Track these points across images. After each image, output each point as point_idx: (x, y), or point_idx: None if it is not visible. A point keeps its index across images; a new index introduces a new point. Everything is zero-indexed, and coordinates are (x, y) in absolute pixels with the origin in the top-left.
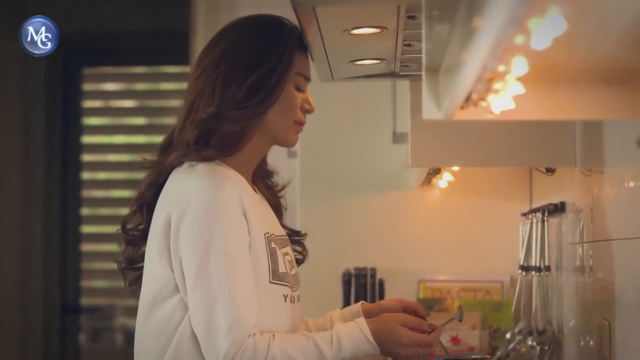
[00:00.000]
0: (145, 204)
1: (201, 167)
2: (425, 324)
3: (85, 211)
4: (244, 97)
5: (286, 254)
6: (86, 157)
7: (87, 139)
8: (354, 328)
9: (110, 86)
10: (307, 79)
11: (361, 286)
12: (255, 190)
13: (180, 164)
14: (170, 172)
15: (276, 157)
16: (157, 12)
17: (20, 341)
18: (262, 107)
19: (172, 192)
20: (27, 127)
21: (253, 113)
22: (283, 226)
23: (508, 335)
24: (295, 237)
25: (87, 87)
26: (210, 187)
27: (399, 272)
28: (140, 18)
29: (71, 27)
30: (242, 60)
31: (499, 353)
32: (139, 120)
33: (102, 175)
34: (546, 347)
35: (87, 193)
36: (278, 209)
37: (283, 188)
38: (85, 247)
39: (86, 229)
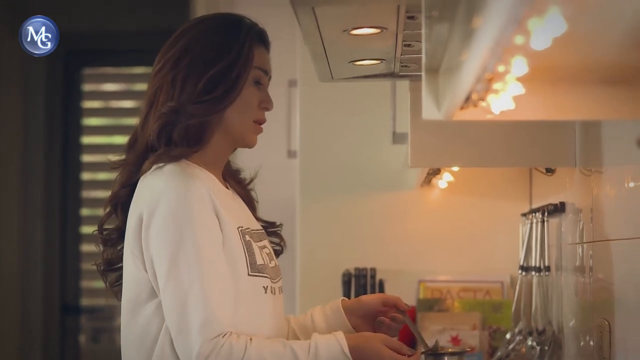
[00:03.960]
0: (120, 204)
1: (169, 167)
2: (405, 347)
3: (85, 212)
4: (203, 91)
5: (263, 247)
6: (86, 158)
7: (86, 140)
8: (332, 341)
9: (110, 86)
10: (266, 73)
11: (361, 286)
12: (227, 187)
13: (150, 168)
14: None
15: (276, 157)
16: (157, 13)
17: (20, 342)
18: (223, 102)
19: (142, 194)
20: (27, 127)
21: (213, 108)
22: (258, 219)
23: (508, 336)
24: (271, 229)
25: (87, 87)
26: (178, 186)
27: (399, 272)
28: (140, 18)
29: (71, 27)
30: (203, 56)
31: (499, 353)
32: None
33: (102, 176)
34: (546, 348)
35: (86, 194)
36: (250, 203)
37: (252, 181)
38: (85, 247)
39: (86, 229)
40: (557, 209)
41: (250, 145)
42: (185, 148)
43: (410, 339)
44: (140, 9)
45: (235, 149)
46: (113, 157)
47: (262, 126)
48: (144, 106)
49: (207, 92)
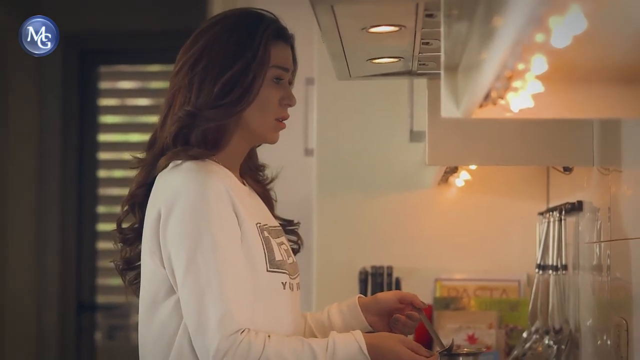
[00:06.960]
0: (137, 203)
1: (187, 164)
2: (423, 348)
3: (101, 209)
4: (219, 95)
5: (281, 243)
6: (102, 155)
7: (103, 137)
8: (350, 339)
9: (125, 84)
10: (287, 69)
11: (378, 285)
12: (244, 184)
13: (167, 165)
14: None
15: (293, 155)
16: (173, 11)
17: (36, 339)
18: (240, 105)
19: (160, 190)
20: (43, 125)
21: (230, 111)
22: (276, 217)
23: (525, 334)
24: (289, 227)
25: (103, 85)
26: (196, 183)
27: (415, 270)
28: (155, 17)
29: (87, 25)
30: (218, 58)
31: (515, 352)
32: (154, 119)
33: (118, 173)
34: (563, 346)
35: (103, 191)
36: (268, 201)
37: (272, 180)
38: (101, 245)
39: (102, 226)
40: (575, 208)
41: (271, 142)
42: (203, 149)
43: (426, 338)
44: (156, 8)
45: (259, 145)
46: (129, 155)
47: (284, 122)
48: (163, 107)
49: (223, 96)
